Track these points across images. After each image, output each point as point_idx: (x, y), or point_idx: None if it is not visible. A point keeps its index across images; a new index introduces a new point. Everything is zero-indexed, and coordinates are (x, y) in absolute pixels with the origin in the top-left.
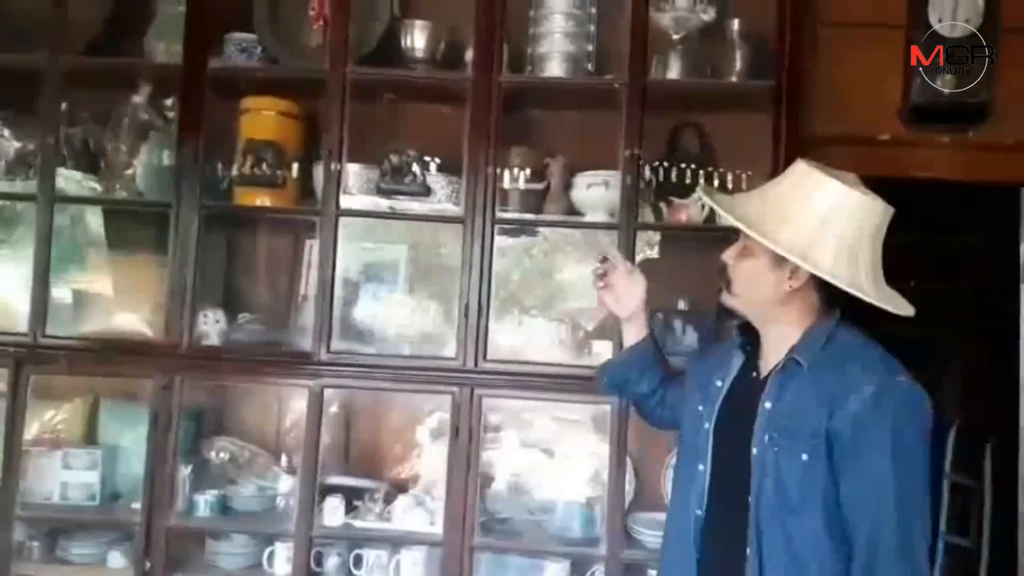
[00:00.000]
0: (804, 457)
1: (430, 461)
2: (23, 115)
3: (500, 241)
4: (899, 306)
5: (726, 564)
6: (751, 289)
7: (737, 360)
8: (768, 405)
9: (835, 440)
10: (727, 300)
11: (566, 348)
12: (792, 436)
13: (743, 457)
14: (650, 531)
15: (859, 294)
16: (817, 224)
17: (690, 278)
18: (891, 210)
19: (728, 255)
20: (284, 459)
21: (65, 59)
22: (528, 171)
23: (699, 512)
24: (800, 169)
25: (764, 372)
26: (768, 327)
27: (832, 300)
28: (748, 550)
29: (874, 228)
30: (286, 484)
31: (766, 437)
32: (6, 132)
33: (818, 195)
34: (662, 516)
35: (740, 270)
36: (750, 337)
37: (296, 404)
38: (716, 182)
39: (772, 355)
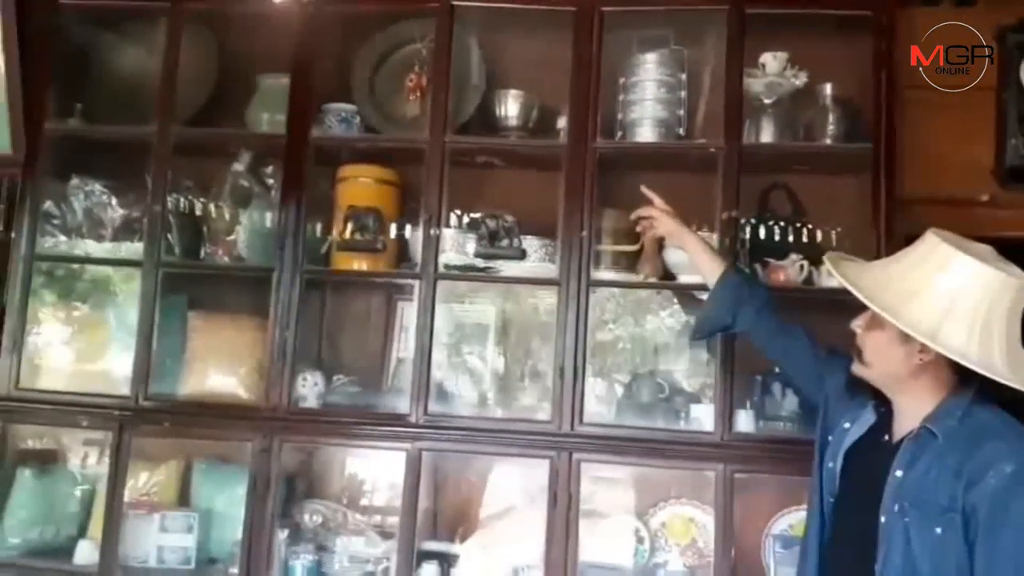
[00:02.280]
0: (937, 531)
1: (524, 527)
2: (127, 183)
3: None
4: None
5: None
6: (880, 361)
7: (869, 415)
8: (899, 474)
9: (971, 515)
10: (858, 370)
11: (663, 412)
12: (924, 508)
13: (868, 519)
14: None
15: (991, 375)
16: (948, 300)
17: None
18: None
19: (857, 324)
20: (376, 522)
21: (173, 130)
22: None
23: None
24: (930, 241)
25: (896, 438)
26: (899, 397)
27: (968, 373)
28: None
29: (1010, 303)
30: (379, 549)
31: (895, 507)
32: (114, 201)
33: (949, 270)
34: None
35: (869, 341)
36: (884, 400)
37: (384, 466)
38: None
39: (905, 423)
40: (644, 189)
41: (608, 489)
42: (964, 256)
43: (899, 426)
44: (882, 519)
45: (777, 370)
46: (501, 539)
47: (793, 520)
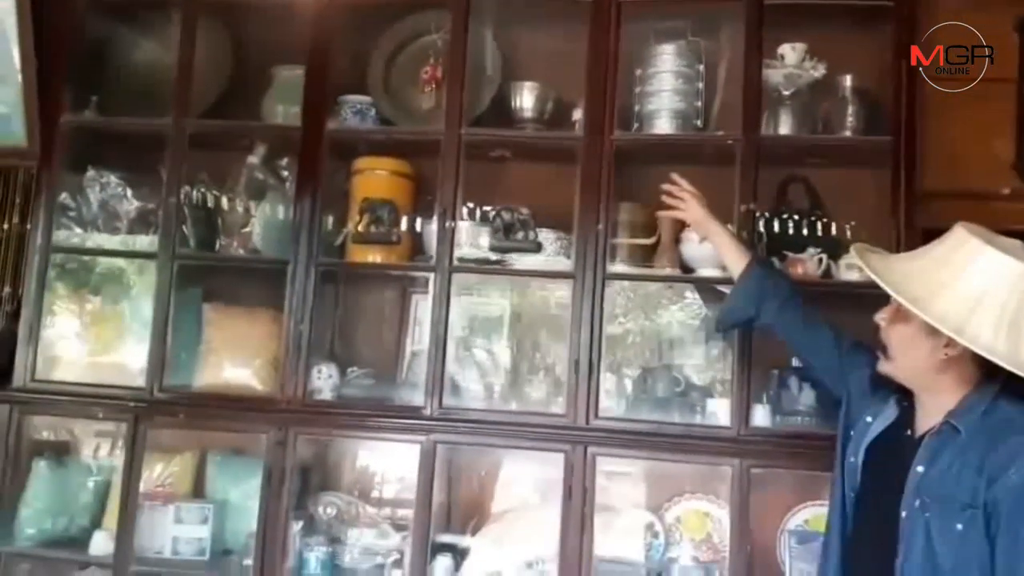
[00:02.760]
0: (959, 527)
1: (539, 521)
2: (142, 175)
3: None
4: None
5: None
6: (905, 355)
7: (891, 410)
8: (920, 469)
9: (993, 511)
10: (883, 367)
11: (678, 406)
12: (946, 504)
13: (890, 514)
14: None
15: (1018, 371)
16: (976, 295)
17: None
18: None
19: (881, 317)
20: (390, 515)
21: (188, 123)
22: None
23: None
24: (959, 235)
25: (919, 433)
26: (923, 393)
27: (993, 368)
28: None
29: None
30: (392, 541)
31: (916, 502)
32: (128, 192)
33: (978, 264)
34: None
35: (894, 335)
36: (906, 395)
37: (398, 459)
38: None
39: (928, 418)
40: (675, 176)
41: (622, 483)
42: (994, 251)
43: (922, 421)
44: (903, 514)
45: (795, 363)
46: (515, 532)
47: (809, 515)
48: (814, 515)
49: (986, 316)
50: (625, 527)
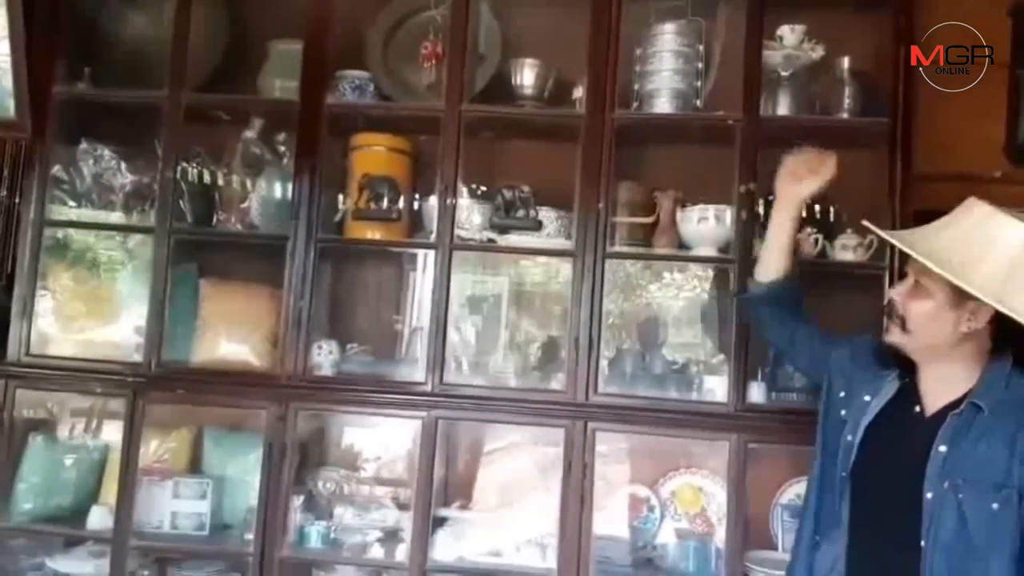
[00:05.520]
0: (994, 507)
1: (538, 496)
2: (137, 149)
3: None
4: None
5: None
6: (926, 329)
7: (891, 385)
8: (943, 449)
9: None
10: (896, 338)
11: (676, 383)
12: (979, 485)
13: (905, 494)
14: (763, 569)
15: None
16: (1008, 267)
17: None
18: None
19: (897, 293)
20: (390, 490)
21: (184, 96)
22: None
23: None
24: (983, 210)
25: (931, 411)
26: (933, 365)
27: (1002, 340)
28: None
29: None
30: (391, 516)
31: (945, 483)
32: (122, 166)
33: (1006, 237)
34: (775, 555)
35: (915, 308)
36: (906, 369)
37: (396, 435)
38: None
39: (937, 393)
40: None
41: (618, 459)
42: (1020, 223)
43: (931, 397)
44: (928, 495)
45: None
46: (515, 507)
47: (801, 490)
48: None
49: (1018, 287)
50: (621, 501)
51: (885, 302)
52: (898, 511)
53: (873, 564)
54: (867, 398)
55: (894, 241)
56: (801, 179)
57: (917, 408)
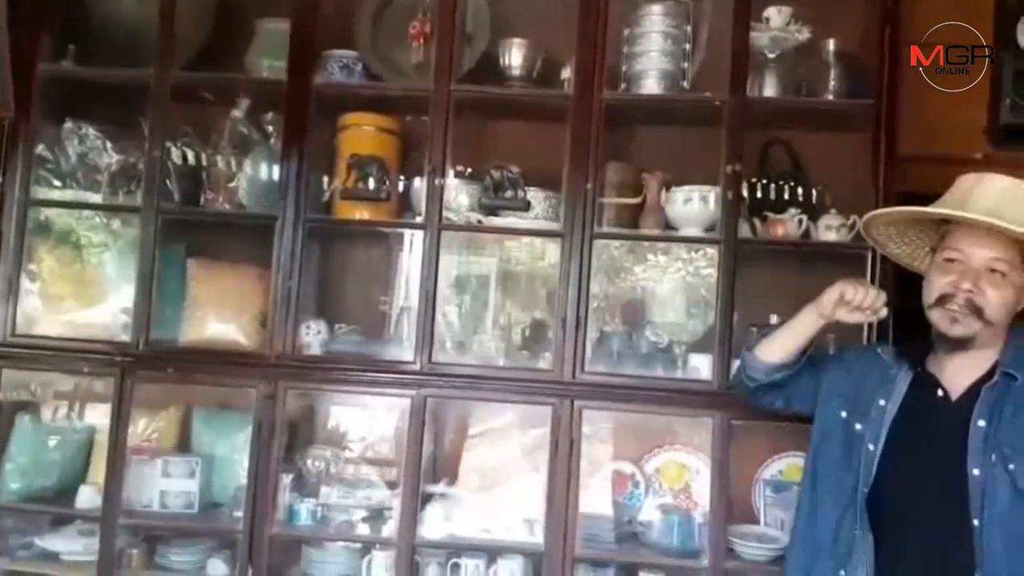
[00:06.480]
0: None
1: (525, 473)
2: (122, 128)
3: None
4: None
5: None
6: (1004, 314)
7: (903, 381)
8: (982, 424)
9: None
10: (970, 329)
11: (662, 362)
12: None
13: (945, 477)
14: (747, 543)
15: None
16: None
17: (786, 294)
18: None
19: (960, 283)
20: (378, 468)
21: (171, 74)
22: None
23: (858, 532)
24: (1000, 179)
25: (956, 392)
26: (976, 349)
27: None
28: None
29: None
30: (379, 495)
31: (992, 456)
32: (108, 145)
33: None
34: (757, 529)
35: (999, 296)
36: (916, 359)
37: (384, 414)
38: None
39: (961, 374)
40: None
41: (602, 439)
42: None
43: (953, 379)
44: (974, 472)
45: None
46: (502, 484)
47: (783, 466)
48: (788, 465)
49: None
50: (606, 479)
51: (939, 295)
52: (938, 499)
53: (913, 564)
54: (882, 402)
55: (982, 219)
56: (850, 309)
57: (940, 392)
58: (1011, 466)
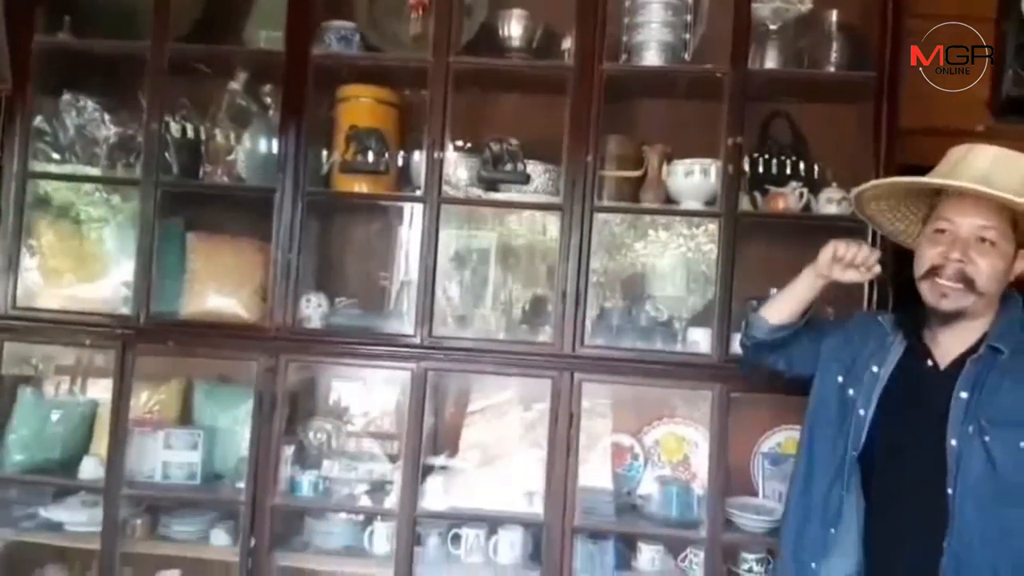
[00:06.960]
0: (1022, 444)
1: (526, 447)
2: (120, 101)
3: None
4: None
5: (909, 550)
6: (994, 285)
7: (897, 349)
8: (964, 395)
9: None
10: (962, 303)
11: (661, 335)
12: (1005, 425)
13: (926, 446)
14: (745, 514)
15: None
16: None
17: (786, 267)
18: None
19: (960, 255)
20: (379, 440)
21: (168, 46)
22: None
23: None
24: (998, 151)
25: (944, 362)
26: (967, 320)
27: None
28: (947, 542)
29: None
30: (380, 468)
31: (969, 428)
32: (106, 118)
33: None
34: (755, 500)
35: (990, 266)
36: (913, 328)
37: (385, 386)
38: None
39: (951, 344)
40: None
41: (601, 413)
42: None
43: (943, 349)
44: (952, 443)
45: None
46: (503, 456)
47: (782, 439)
48: (787, 438)
49: None
50: (606, 451)
51: (928, 267)
52: (920, 466)
53: (895, 525)
54: (875, 369)
55: (983, 190)
56: (844, 266)
57: (929, 362)
58: (987, 438)
